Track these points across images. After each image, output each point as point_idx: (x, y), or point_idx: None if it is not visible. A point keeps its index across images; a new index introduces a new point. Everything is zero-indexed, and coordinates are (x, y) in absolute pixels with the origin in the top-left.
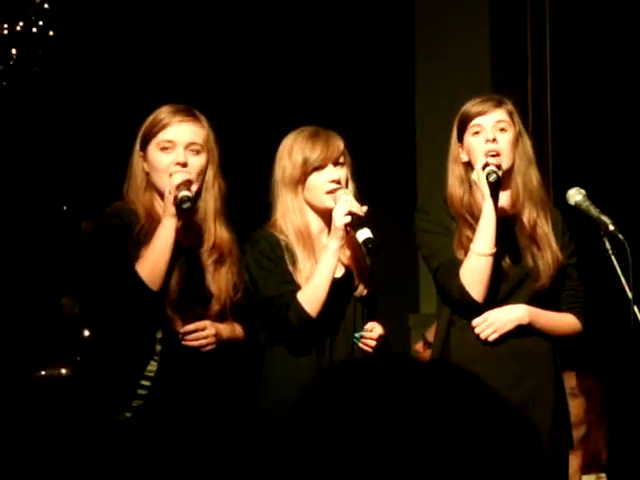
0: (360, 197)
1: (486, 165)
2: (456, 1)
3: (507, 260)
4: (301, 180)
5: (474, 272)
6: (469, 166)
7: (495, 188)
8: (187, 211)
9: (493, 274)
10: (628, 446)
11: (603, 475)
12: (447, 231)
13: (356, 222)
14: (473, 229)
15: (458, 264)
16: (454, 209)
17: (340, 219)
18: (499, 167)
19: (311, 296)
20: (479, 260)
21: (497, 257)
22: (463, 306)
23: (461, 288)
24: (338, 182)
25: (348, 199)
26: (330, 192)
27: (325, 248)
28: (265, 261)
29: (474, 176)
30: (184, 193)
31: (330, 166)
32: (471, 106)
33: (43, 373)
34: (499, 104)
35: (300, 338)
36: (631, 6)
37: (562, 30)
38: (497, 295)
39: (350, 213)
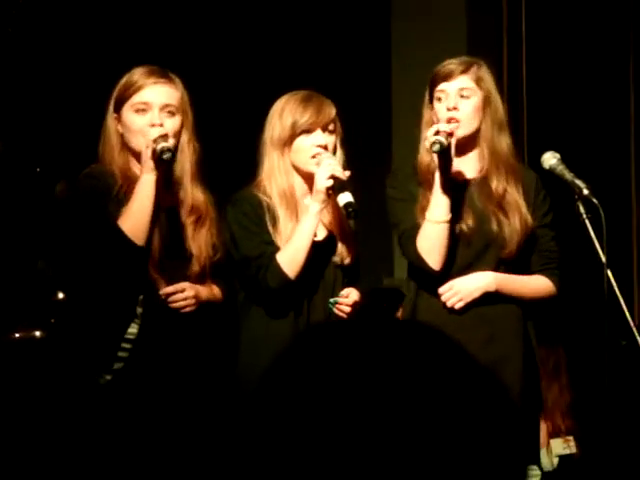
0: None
1: (437, 133)
2: None
3: (471, 226)
4: (288, 142)
5: (429, 240)
6: None
7: (444, 156)
8: (167, 162)
9: (451, 241)
10: (593, 411)
11: (571, 438)
12: (412, 197)
13: (338, 186)
14: None
15: (418, 231)
16: (421, 174)
17: (322, 182)
18: (451, 135)
19: (290, 257)
20: (433, 227)
21: (458, 223)
22: (423, 273)
23: (418, 256)
24: (325, 147)
25: (332, 163)
26: (315, 156)
27: (306, 210)
28: (245, 221)
29: (426, 144)
30: (164, 144)
31: (319, 131)
32: (439, 69)
33: (17, 335)
34: (466, 69)
35: (277, 299)
36: None
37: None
38: (460, 262)
39: (332, 177)
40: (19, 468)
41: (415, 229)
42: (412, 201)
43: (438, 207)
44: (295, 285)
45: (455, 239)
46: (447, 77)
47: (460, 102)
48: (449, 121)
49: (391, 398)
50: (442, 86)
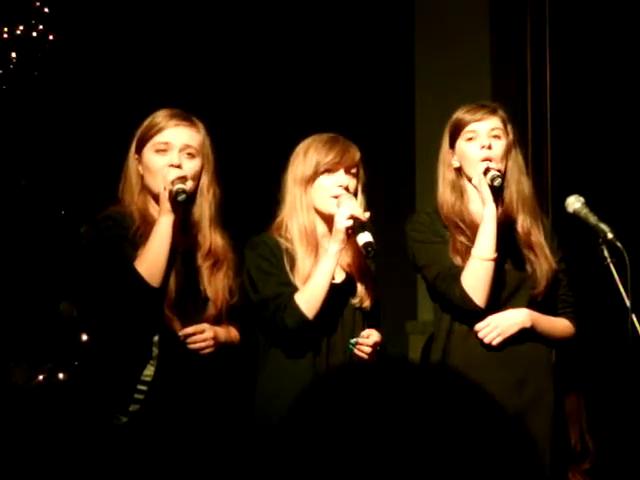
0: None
1: (487, 170)
2: (456, 10)
3: (506, 266)
4: (311, 180)
5: (476, 277)
6: (460, 172)
7: (497, 193)
8: (182, 204)
9: (494, 279)
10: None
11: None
12: (442, 239)
13: (358, 227)
14: (466, 235)
15: (457, 270)
16: (446, 216)
17: (342, 222)
18: (500, 172)
19: (308, 297)
20: (481, 264)
21: (497, 262)
22: (464, 312)
23: (463, 293)
24: (346, 188)
25: (352, 203)
26: (335, 197)
27: (325, 250)
28: (263, 263)
29: (474, 181)
30: (179, 186)
31: (341, 171)
32: (464, 112)
33: (41, 378)
34: (494, 111)
35: (295, 340)
36: (631, 11)
37: (562, 38)
38: (497, 300)
39: (352, 217)
40: None
41: (453, 269)
42: (442, 242)
43: (486, 244)
44: (313, 326)
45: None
46: (477, 119)
47: (493, 142)
48: (485, 160)
49: (413, 443)
50: (473, 126)
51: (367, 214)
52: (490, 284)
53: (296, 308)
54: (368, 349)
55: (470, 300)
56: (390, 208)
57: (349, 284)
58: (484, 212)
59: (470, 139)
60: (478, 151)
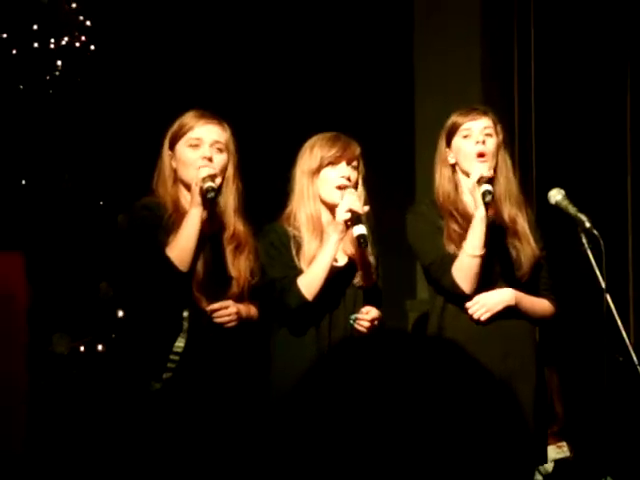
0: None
1: (481, 178)
2: (452, 17)
3: (493, 251)
4: (316, 172)
5: (465, 270)
6: (455, 168)
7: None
8: (211, 200)
9: (481, 269)
10: (588, 417)
11: (563, 443)
12: (438, 230)
13: (355, 219)
14: (459, 223)
15: (449, 260)
16: (442, 205)
17: (341, 214)
18: (491, 181)
19: (309, 281)
20: (470, 260)
21: (484, 257)
22: (455, 296)
23: (453, 283)
24: (348, 179)
25: (352, 198)
26: (339, 187)
27: (327, 239)
28: (272, 250)
29: (469, 185)
30: (209, 184)
31: (343, 164)
32: (459, 114)
33: (82, 349)
34: (485, 113)
35: (297, 318)
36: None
37: (546, 41)
38: (486, 281)
39: (350, 210)
40: (86, 462)
41: (445, 258)
42: (435, 232)
43: (475, 242)
44: (315, 305)
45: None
46: (472, 118)
47: (486, 139)
48: (480, 155)
49: (414, 407)
50: (468, 124)
51: (366, 208)
52: (477, 275)
53: (297, 290)
54: (367, 324)
55: (459, 288)
56: (392, 197)
57: (351, 267)
58: (475, 214)
59: (466, 136)
60: (473, 146)
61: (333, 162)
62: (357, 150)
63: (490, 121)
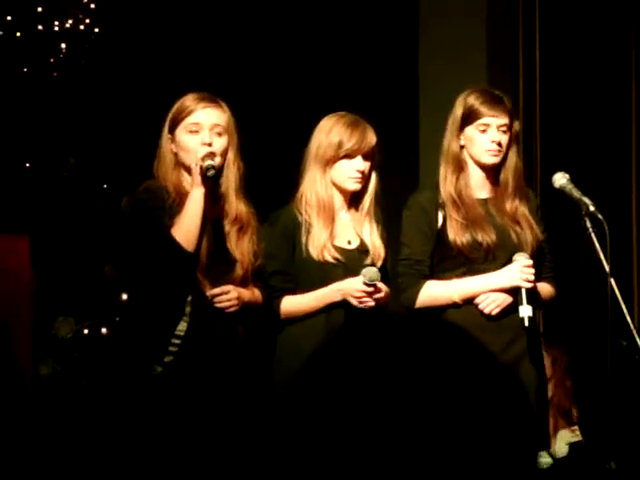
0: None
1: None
2: (457, 5)
3: (494, 240)
4: (331, 161)
5: (432, 301)
6: (463, 150)
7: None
8: (211, 178)
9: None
10: (596, 403)
11: (576, 428)
12: (430, 232)
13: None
14: (461, 212)
15: (423, 268)
16: (445, 190)
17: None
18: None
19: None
20: (445, 297)
21: (482, 236)
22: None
23: (413, 295)
24: (362, 173)
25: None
26: (351, 178)
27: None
28: (269, 245)
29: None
30: (208, 162)
31: (359, 157)
32: (481, 103)
33: (86, 332)
34: (506, 109)
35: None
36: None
37: (551, 29)
38: (492, 265)
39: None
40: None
41: (421, 265)
42: (428, 234)
43: (465, 293)
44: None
45: (483, 252)
46: (494, 115)
47: (502, 136)
48: (495, 154)
49: (416, 392)
50: (487, 120)
51: (384, 289)
52: (436, 307)
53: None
54: (379, 295)
55: (413, 303)
56: (395, 178)
57: (362, 249)
58: (489, 281)
59: (483, 131)
60: (489, 144)
61: (349, 155)
62: (374, 140)
63: (509, 118)
